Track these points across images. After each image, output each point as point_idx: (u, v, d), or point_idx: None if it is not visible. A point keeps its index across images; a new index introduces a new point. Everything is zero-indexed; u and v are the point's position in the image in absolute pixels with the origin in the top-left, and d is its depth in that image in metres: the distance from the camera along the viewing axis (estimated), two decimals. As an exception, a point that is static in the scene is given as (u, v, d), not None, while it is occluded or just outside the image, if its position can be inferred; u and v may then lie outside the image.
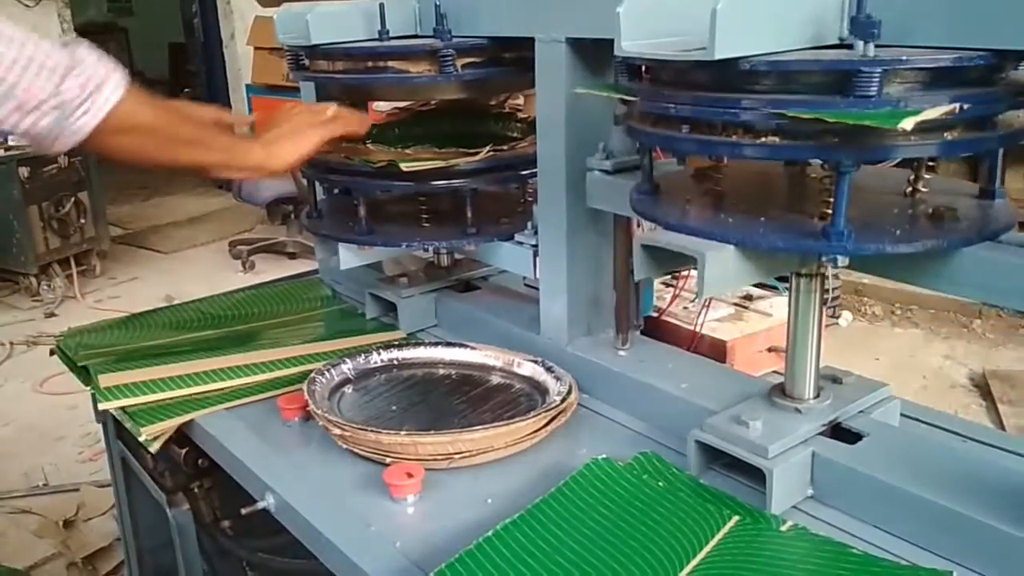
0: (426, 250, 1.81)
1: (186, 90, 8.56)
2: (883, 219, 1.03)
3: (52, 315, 4.88)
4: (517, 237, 1.55)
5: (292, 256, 5.65)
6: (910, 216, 1.05)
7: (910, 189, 1.11)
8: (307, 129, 1.43)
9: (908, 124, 0.83)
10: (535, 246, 1.50)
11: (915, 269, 1.03)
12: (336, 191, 1.84)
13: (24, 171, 4.83)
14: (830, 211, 0.96)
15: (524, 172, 1.59)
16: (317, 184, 1.74)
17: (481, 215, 1.60)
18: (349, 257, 1.71)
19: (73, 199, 5.09)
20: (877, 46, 0.89)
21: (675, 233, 1.05)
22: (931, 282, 1.04)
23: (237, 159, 1.36)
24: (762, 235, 1.00)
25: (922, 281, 1.05)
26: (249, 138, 1.46)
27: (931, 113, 0.85)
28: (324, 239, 1.74)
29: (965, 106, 0.89)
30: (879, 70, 0.86)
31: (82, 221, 5.19)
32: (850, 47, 0.92)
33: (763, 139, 0.94)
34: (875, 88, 0.87)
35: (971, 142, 0.95)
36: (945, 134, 0.92)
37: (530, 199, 1.66)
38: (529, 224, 1.51)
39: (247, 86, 6.78)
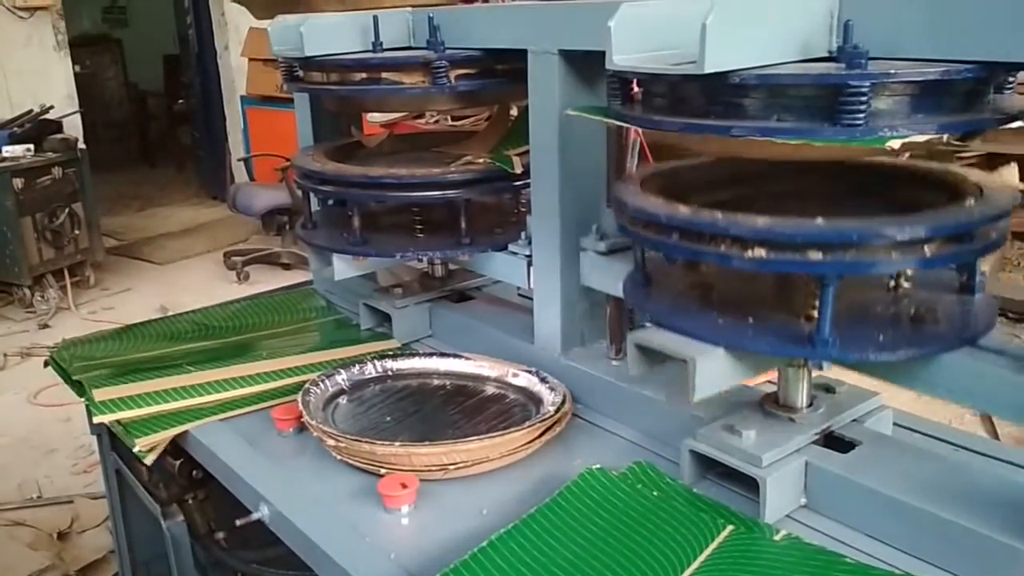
0: (420, 260, 1.81)
1: (180, 101, 8.57)
2: (866, 319, 1.07)
3: (46, 326, 4.86)
4: (511, 247, 1.55)
5: (286, 267, 5.65)
6: (892, 316, 1.08)
7: (893, 283, 1.14)
8: None
9: (896, 144, 0.84)
10: (529, 256, 1.50)
11: (898, 371, 1.08)
12: (330, 202, 1.84)
13: (18, 182, 4.83)
14: (815, 313, 1.00)
15: (517, 183, 1.59)
16: (311, 195, 1.74)
17: (475, 225, 1.61)
18: (343, 268, 1.71)
19: (67, 210, 5.08)
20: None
21: (667, 333, 1.07)
22: (914, 385, 1.08)
23: None
24: (751, 339, 1.03)
25: (905, 383, 1.10)
26: None
27: (918, 138, 0.87)
28: (318, 250, 1.75)
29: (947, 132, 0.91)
30: (867, 98, 0.88)
31: (76, 232, 5.18)
32: (838, 60, 0.93)
33: (750, 252, 0.96)
34: (862, 118, 0.88)
35: (951, 256, 0.98)
36: (925, 248, 0.94)
37: (523, 209, 1.67)
38: (523, 234, 1.52)
39: (241, 97, 6.80)
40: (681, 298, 1.16)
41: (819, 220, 0.93)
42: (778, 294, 1.13)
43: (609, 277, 1.34)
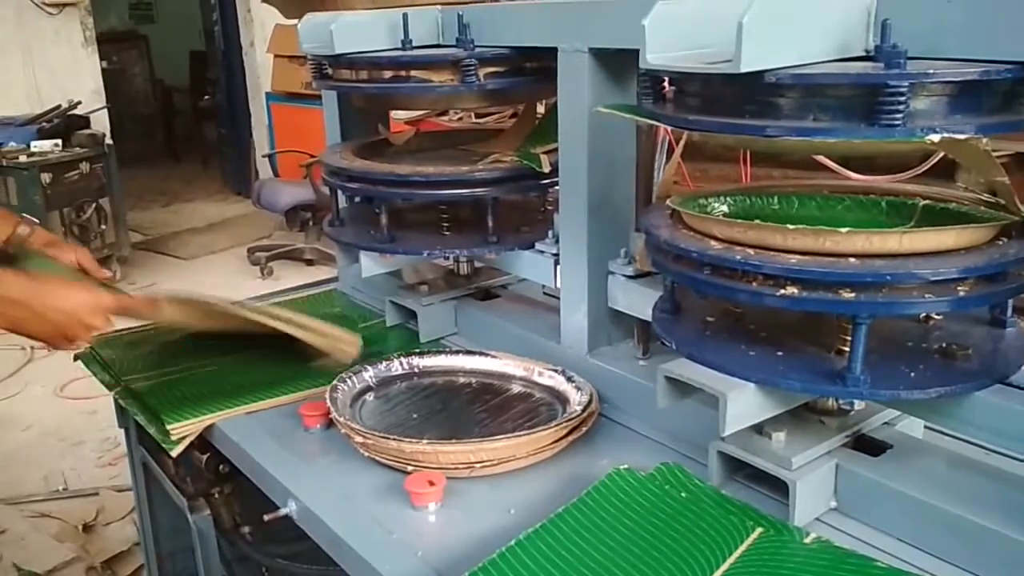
0: (447, 258, 1.81)
1: (206, 97, 8.63)
2: (897, 354, 1.07)
3: (73, 319, 4.90)
4: (538, 246, 1.55)
5: (310, 263, 5.68)
6: (923, 351, 1.08)
7: (923, 315, 1.14)
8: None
9: (935, 138, 0.84)
10: (556, 254, 1.50)
11: (927, 408, 1.09)
12: (357, 199, 1.85)
13: (46, 177, 4.88)
14: (847, 348, 1.00)
15: (544, 181, 1.59)
16: (339, 192, 1.75)
17: (502, 223, 1.61)
18: (371, 265, 1.72)
19: (94, 205, 5.14)
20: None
21: (697, 366, 1.08)
22: (944, 422, 1.10)
23: None
24: (781, 374, 1.03)
25: (935, 419, 1.11)
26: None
27: (956, 136, 0.87)
28: (346, 247, 1.75)
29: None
30: (906, 98, 0.87)
31: (103, 227, 5.23)
32: (875, 59, 0.92)
33: (782, 290, 0.96)
34: (901, 118, 0.88)
35: (984, 296, 0.98)
36: (958, 288, 0.94)
37: (551, 207, 1.67)
38: (550, 232, 1.52)
39: (267, 94, 6.84)
40: (711, 327, 1.16)
41: (852, 260, 0.94)
42: (809, 324, 1.13)
43: (638, 301, 1.35)
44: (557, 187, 1.46)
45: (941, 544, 1.01)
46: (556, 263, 1.51)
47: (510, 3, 1.58)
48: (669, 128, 1.26)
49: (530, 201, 1.79)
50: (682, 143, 1.30)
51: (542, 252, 1.54)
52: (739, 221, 1.03)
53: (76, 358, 1.76)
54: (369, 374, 1.47)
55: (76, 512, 3.01)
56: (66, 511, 3.03)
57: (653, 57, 1.01)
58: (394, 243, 1.63)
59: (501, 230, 1.60)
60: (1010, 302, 1.11)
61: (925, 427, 1.24)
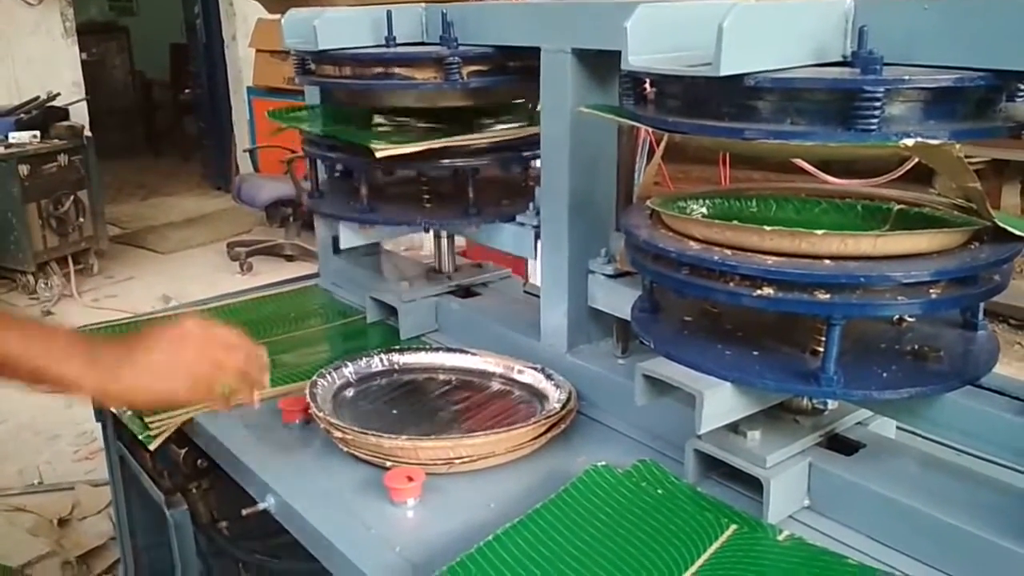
0: (427, 230, 1.79)
1: (187, 91, 8.57)
2: (870, 354, 1.09)
3: (49, 313, 4.87)
4: (519, 218, 1.56)
5: (290, 258, 5.65)
6: (896, 352, 1.10)
7: (897, 317, 1.16)
8: (195, 377, 1.12)
9: (909, 142, 0.85)
10: (536, 227, 1.51)
11: (899, 409, 1.12)
12: (337, 173, 1.85)
13: (24, 169, 4.83)
14: (821, 349, 1.01)
15: (526, 154, 1.60)
16: (319, 163, 1.74)
17: (483, 198, 1.62)
18: (349, 236, 1.72)
19: (72, 198, 5.08)
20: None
21: (675, 364, 1.10)
22: (916, 422, 1.13)
23: (54, 369, 1.13)
24: (757, 374, 1.05)
25: (907, 420, 1.14)
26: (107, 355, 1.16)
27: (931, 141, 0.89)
28: (326, 218, 1.74)
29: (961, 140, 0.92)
30: (881, 103, 0.89)
31: (81, 220, 5.18)
32: (852, 65, 0.94)
33: (759, 291, 0.98)
34: (876, 123, 0.89)
35: (956, 299, 1.00)
36: (930, 291, 0.96)
37: (532, 183, 1.67)
38: (531, 205, 1.52)
39: (248, 88, 6.80)
40: (689, 327, 1.18)
41: (827, 262, 0.95)
42: (785, 325, 1.15)
43: (617, 300, 1.37)
44: (538, 160, 1.46)
45: (912, 542, 1.03)
46: (537, 236, 1.51)
47: (494, 2, 1.59)
48: (650, 129, 1.28)
49: (511, 176, 1.80)
50: (663, 144, 1.31)
51: (523, 224, 1.55)
52: (717, 222, 1.05)
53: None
54: (349, 370, 1.47)
55: (51, 506, 2.98)
56: (41, 505, 3.00)
57: (635, 59, 1.02)
58: (374, 213, 1.63)
59: (482, 204, 1.61)
60: (981, 305, 1.13)
61: (897, 427, 1.26)
